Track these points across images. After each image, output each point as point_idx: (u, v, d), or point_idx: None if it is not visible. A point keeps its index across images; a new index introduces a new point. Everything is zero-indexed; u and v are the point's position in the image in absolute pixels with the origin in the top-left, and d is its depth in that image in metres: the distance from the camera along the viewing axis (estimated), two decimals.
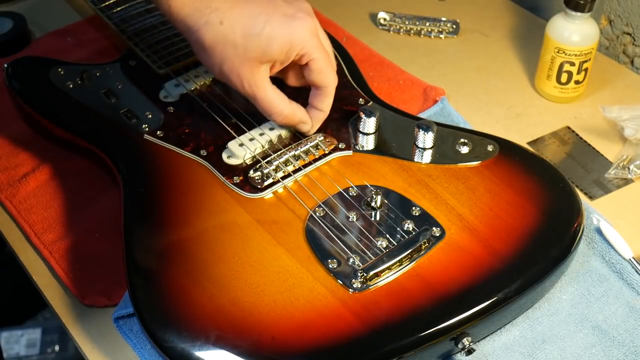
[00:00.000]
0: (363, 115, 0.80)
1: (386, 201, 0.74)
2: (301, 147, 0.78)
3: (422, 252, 0.70)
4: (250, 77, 0.74)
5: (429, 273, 0.68)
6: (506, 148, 0.79)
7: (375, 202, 0.73)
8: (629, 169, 0.85)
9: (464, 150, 0.79)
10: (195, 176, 0.77)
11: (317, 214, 0.73)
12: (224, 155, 0.78)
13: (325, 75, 0.77)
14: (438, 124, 0.80)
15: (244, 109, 0.82)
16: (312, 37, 0.74)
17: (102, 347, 0.72)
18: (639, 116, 0.89)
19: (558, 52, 0.91)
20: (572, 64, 0.91)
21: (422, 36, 1.06)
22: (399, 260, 0.68)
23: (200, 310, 0.65)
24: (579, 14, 0.89)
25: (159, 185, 0.76)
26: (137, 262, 0.69)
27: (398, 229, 0.72)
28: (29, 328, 1.44)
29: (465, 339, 0.66)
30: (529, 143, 0.90)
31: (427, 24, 1.06)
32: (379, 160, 0.78)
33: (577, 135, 0.91)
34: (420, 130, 0.78)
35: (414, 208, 0.73)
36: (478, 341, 0.70)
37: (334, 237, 0.71)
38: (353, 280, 0.67)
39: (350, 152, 0.79)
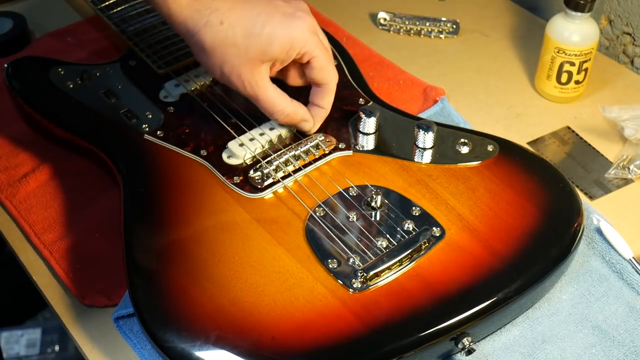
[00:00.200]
0: (363, 115, 0.80)
1: (386, 201, 0.74)
2: (301, 147, 0.78)
3: (422, 252, 0.70)
4: (251, 77, 0.74)
5: (429, 273, 0.68)
6: (506, 148, 0.79)
7: (376, 202, 0.73)
8: (629, 169, 0.85)
9: (464, 150, 0.79)
10: (196, 176, 0.77)
11: (317, 213, 0.73)
12: (224, 155, 0.78)
13: (327, 72, 0.77)
14: (438, 124, 0.80)
15: (244, 109, 0.82)
16: (312, 36, 0.74)
17: (102, 347, 0.72)
18: (639, 116, 0.89)
19: (558, 52, 0.91)
20: (572, 64, 0.91)
21: (422, 36, 1.06)
22: (399, 260, 0.68)
23: (200, 310, 0.65)
24: (579, 14, 0.89)
25: (159, 185, 0.76)
26: (137, 262, 0.69)
27: (398, 229, 0.72)
28: (29, 328, 1.44)
29: (465, 339, 0.66)
30: (529, 143, 0.90)
31: (427, 24, 1.06)
32: (379, 160, 0.78)
33: (577, 135, 0.91)
34: (420, 130, 0.78)
35: (414, 208, 0.73)
36: (478, 341, 0.70)
37: (334, 237, 0.71)
38: (353, 280, 0.67)
39: (350, 152, 0.79)
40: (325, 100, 0.79)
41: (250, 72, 0.74)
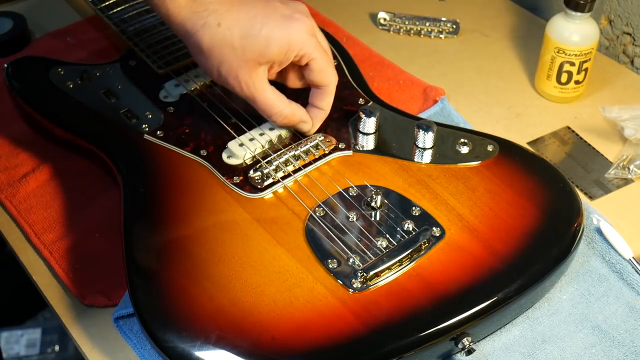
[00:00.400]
0: (363, 115, 0.80)
1: (386, 201, 0.74)
2: (301, 147, 0.78)
3: (422, 252, 0.70)
4: (248, 79, 0.74)
5: (429, 273, 0.68)
6: (506, 148, 0.79)
7: (375, 202, 0.73)
8: (629, 169, 0.85)
9: (464, 150, 0.79)
10: (195, 176, 0.77)
11: (317, 214, 0.73)
12: (224, 155, 0.78)
13: (326, 74, 0.77)
14: (438, 124, 0.80)
15: (244, 109, 0.82)
16: (310, 38, 0.74)
17: (102, 347, 0.72)
18: (639, 116, 0.89)
19: (558, 52, 0.91)
20: (572, 64, 0.91)
21: (422, 36, 1.06)
22: (399, 260, 0.68)
23: (200, 310, 0.65)
24: (579, 14, 0.89)
25: (159, 185, 0.76)
26: (137, 262, 0.69)
27: (398, 229, 0.72)
28: (29, 328, 1.44)
29: (465, 339, 0.66)
30: (529, 143, 0.90)
31: (427, 24, 1.06)
32: (379, 160, 0.78)
33: (577, 135, 0.91)
34: (420, 130, 0.78)
35: (414, 208, 0.73)
36: (478, 341, 0.70)
37: (334, 237, 0.71)
38: (353, 280, 0.67)
39: (350, 152, 0.79)
40: (325, 101, 0.79)
41: (247, 74, 0.74)
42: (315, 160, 0.78)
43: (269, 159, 0.77)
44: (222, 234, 0.71)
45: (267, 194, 0.75)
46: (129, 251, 0.69)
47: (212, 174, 0.77)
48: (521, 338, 0.71)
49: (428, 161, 0.78)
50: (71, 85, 0.86)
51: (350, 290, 0.67)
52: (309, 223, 0.72)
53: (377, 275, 0.68)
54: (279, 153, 0.78)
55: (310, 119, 0.79)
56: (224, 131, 0.81)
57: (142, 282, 0.67)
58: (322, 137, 0.80)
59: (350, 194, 0.75)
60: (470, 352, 0.66)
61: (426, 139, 0.78)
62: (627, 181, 0.86)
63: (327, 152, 0.79)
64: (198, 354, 0.62)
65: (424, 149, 0.79)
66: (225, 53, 0.73)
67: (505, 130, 0.91)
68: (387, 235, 0.71)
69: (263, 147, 0.79)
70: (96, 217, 0.81)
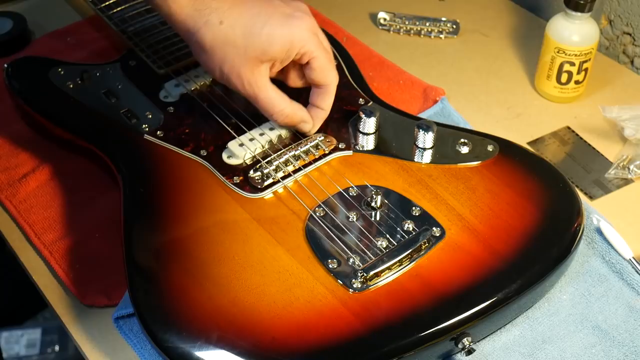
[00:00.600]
0: (363, 115, 0.80)
1: (386, 201, 0.74)
2: (301, 147, 0.78)
3: (422, 252, 0.70)
4: (250, 77, 0.74)
5: (429, 273, 0.68)
6: (506, 148, 0.79)
7: (375, 202, 0.73)
8: (629, 169, 0.85)
9: (464, 150, 0.79)
10: (195, 176, 0.77)
11: (317, 214, 0.73)
12: (224, 155, 0.78)
13: (327, 73, 0.77)
14: (438, 124, 0.80)
15: (244, 109, 0.82)
16: (312, 36, 0.74)
17: (102, 347, 0.72)
18: (639, 116, 0.89)
19: (558, 52, 0.91)
20: (572, 64, 0.91)
21: (422, 36, 1.06)
22: (399, 261, 0.68)
23: (200, 310, 0.65)
24: (579, 14, 0.89)
25: (159, 185, 0.76)
26: (137, 262, 0.69)
27: (398, 229, 0.72)
28: (29, 328, 1.44)
29: (465, 339, 0.66)
30: (529, 143, 0.90)
31: (427, 24, 1.06)
32: (379, 160, 0.78)
33: (577, 135, 0.91)
34: (420, 130, 0.78)
35: (414, 208, 0.73)
36: (478, 341, 0.70)
37: (334, 237, 0.71)
38: (353, 280, 0.67)
39: (350, 152, 0.79)
40: (325, 101, 0.79)
41: (249, 72, 0.74)
42: (316, 160, 0.78)
43: (269, 159, 0.77)
44: (222, 234, 0.71)
45: (267, 194, 0.75)
46: (129, 251, 0.69)
47: (212, 174, 0.77)
48: (521, 338, 0.71)
49: (428, 161, 0.78)
50: (71, 85, 0.86)
51: (350, 290, 0.67)
52: (309, 223, 0.72)
53: (377, 275, 0.68)
54: (279, 153, 0.78)
55: (311, 119, 0.79)
56: (224, 131, 0.81)
57: (142, 282, 0.67)
58: (322, 137, 0.80)
59: (350, 194, 0.75)
60: (470, 352, 0.66)
61: (426, 139, 0.78)
62: (627, 181, 0.86)
63: (327, 152, 0.79)
64: (198, 354, 0.62)
65: (424, 149, 0.79)
66: (228, 51, 0.73)
67: (505, 130, 0.91)
68: (387, 236, 0.71)
69: (263, 147, 0.79)
70: (96, 217, 0.81)
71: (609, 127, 0.92)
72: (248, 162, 0.78)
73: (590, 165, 0.87)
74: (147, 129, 0.81)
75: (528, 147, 0.89)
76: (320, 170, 0.77)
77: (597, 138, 0.91)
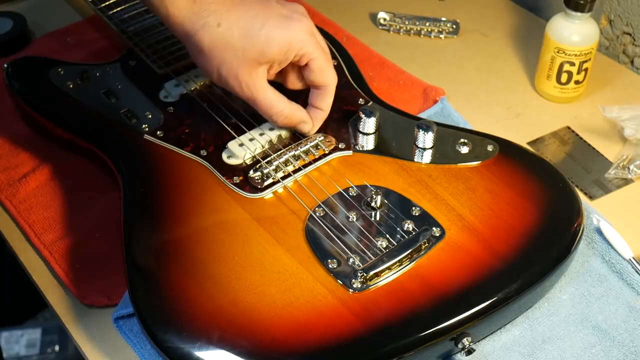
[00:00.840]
0: (363, 115, 0.80)
1: (386, 201, 0.74)
2: (301, 147, 0.78)
3: (422, 252, 0.70)
4: (248, 79, 0.74)
5: (429, 273, 0.68)
6: (506, 148, 0.79)
7: (375, 202, 0.73)
8: (629, 169, 0.85)
9: (464, 150, 0.79)
10: (195, 176, 0.77)
11: (317, 214, 0.73)
12: (224, 155, 0.78)
13: (326, 74, 0.77)
14: (438, 124, 0.80)
15: (243, 109, 0.82)
16: (310, 37, 0.74)
17: (102, 347, 0.72)
18: (639, 116, 0.89)
19: (558, 52, 0.91)
20: (572, 64, 0.91)
21: (422, 36, 1.06)
22: (399, 261, 0.68)
23: (200, 310, 0.65)
24: (579, 14, 0.89)
25: (159, 185, 0.76)
26: (137, 262, 0.69)
27: (398, 229, 0.72)
28: (29, 328, 1.44)
29: (465, 339, 0.66)
30: (529, 143, 0.90)
31: (427, 24, 1.06)
32: (379, 160, 0.78)
33: (577, 135, 0.91)
34: (420, 130, 0.78)
35: (414, 208, 0.73)
36: (478, 341, 0.70)
37: (334, 237, 0.71)
38: (353, 280, 0.67)
39: (350, 152, 0.79)
40: (325, 102, 0.79)
41: (248, 74, 0.74)
42: (315, 160, 0.78)
43: (269, 159, 0.77)
44: (222, 234, 0.71)
45: (267, 194, 0.75)
46: (129, 251, 0.69)
47: (212, 174, 0.77)
48: (521, 338, 0.71)
49: (428, 161, 0.78)
50: (71, 85, 0.86)
51: (350, 290, 0.67)
52: (309, 223, 0.72)
53: (377, 275, 0.68)
54: (279, 153, 0.78)
55: (311, 120, 0.79)
56: (224, 131, 0.81)
57: (142, 282, 0.67)
58: (322, 137, 0.80)
59: (350, 194, 0.75)
60: (470, 352, 0.66)
61: (426, 139, 0.78)
62: (627, 181, 0.86)
63: (327, 152, 0.79)
64: (198, 354, 0.62)
65: (424, 149, 0.79)
66: (226, 53, 0.73)
67: (505, 130, 0.91)
68: (387, 235, 0.71)
69: (263, 147, 0.79)
70: (96, 217, 0.81)
71: (609, 127, 0.92)
72: (248, 162, 0.78)
73: (590, 165, 0.87)
74: (147, 129, 0.81)
75: (528, 147, 0.89)
76: (320, 170, 0.77)
77: (597, 138, 0.91)
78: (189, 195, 0.75)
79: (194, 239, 0.70)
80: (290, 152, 0.78)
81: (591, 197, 0.84)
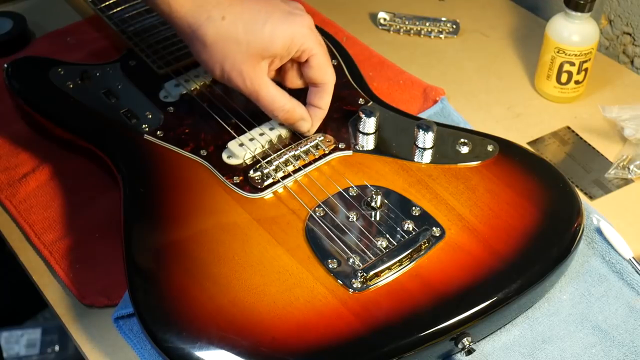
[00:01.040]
0: (363, 115, 0.80)
1: (386, 201, 0.74)
2: (301, 147, 0.78)
3: (422, 252, 0.70)
4: (252, 74, 0.74)
5: (429, 273, 0.68)
6: (506, 148, 0.79)
7: (375, 202, 0.73)
8: (629, 169, 0.85)
9: (464, 150, 0.79)
10: (195, 176, 0.77)
11: (317, 214, 0.73)
12: (224, 155, 0.78)
13: (325, 71, 0.77)
14: (438, 124, 0.80)
15: (243, 109, 0.82)
16: (311, 33, 0.75)
17: (102, 347, 0.72)
18: (639, 116, 0.89)
19: (558, 52, 0.91)
20: (572, 64, 0.91)
21: (422, 36, 1.06)
22: (399, 260, 0.68)
23: (200, 310, 0.65)
24: (579, 14, 0.89)
25: (159, 185, 0.76)
26: (137, 262, 0.69)
27: (398, 229, 0.72)
28: (29, 328, 1.44)
29: (465, 339, 0.66)
30: (529, 143, 0.90)
31: (427, 24, 1.06)
32: (379, 160, 0.78)
33: (577, 135, 0.91)
34: (420, 130, 0.78)
35: (414, 208, 0.73)
36: (478, 341, 0.70)
37: (334, 237, 0.71)
38: (353, 280, 0.67)
39: (350, 152, 0.79)
40: (323, 100, 0.79)
41: (251, 69, 0.74)
42: (315, 160, 0.78)
43: (269, 159, 0.77)
44: (222, 234, 0.71)
45: (267, 194, 0.75)
46: (129, 251, 0.69)
47: (212, 174, 0.77)
48: (521, 338, 0.71)
49: (428, 161, 0.78)
50: (71, 85, 0.86)
51: (350, 290, 0.67)
52: (309, 223, 0.72)
53: (377, 275, 0.68)
54: (279, 153, 0.78)
55: (310, 118, 0.79)
56: (224, 131, 0.81)
57: (142, 282, 0.67)
58: (322, 137, 0.80)
59: (350, 194, 0.75)
60: (470, 352, 0.66)
61: (426, 139, 0.78)
62: (627, 181, 0.86)
63: (327, 152, 0.79)
64: (198, 354, 0.62)
65: (424, 149, 0.79)
66: (229, 47, 0.73)
67: (505, 130, 0.91)
68: (387, 235, 0.71)
69: (263, 147, 0.79)
70: (96, 217, 0.81)
71: (609, 127, 0.92)
72: (248, 162, 0.78)
73: (590, 165, 0.87)
74: (147, 129, 0.81)
75: (528, 147, 0.89)
76: (320, 170, 0.77)
77: (597, 138, 0.91)
78: (189, 196, 0.74)
79: (194, 239, 0.70)
80: (290, 152, 0.78)
81: (591, 197, 0.84)
